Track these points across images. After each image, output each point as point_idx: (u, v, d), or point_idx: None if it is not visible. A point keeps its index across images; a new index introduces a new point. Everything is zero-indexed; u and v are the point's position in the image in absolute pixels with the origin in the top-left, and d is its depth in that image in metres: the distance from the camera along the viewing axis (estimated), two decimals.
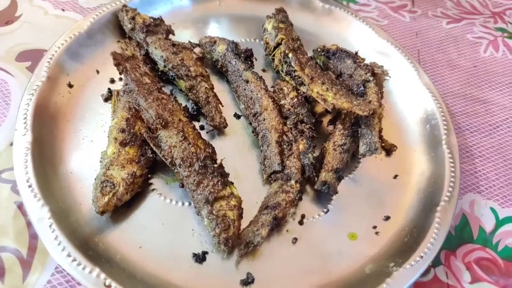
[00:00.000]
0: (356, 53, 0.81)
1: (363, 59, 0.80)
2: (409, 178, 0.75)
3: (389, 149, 0.78)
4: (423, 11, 1.06)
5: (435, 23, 1.04)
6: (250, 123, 0.76)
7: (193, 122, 0.73)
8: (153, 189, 0.67)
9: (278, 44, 0.82)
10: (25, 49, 0.84)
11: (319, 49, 0.84)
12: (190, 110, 0.76)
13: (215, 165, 0.65)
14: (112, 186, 0.62)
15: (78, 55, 0.78)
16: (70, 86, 0.75)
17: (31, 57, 0.82)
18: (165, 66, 0.78)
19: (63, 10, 0.91)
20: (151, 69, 0.78)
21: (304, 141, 0.71)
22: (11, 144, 0.66)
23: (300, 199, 0.67)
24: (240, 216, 0.62)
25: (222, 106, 0.77)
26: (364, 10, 1.03)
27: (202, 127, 0.76)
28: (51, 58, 0.74)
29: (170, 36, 0.83)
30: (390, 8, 1.05)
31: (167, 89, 0.78)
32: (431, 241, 0.63)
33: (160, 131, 0.67)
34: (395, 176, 0.75)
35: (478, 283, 0.66)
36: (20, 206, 0.65)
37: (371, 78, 0.75)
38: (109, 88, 0.77)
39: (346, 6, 0.97)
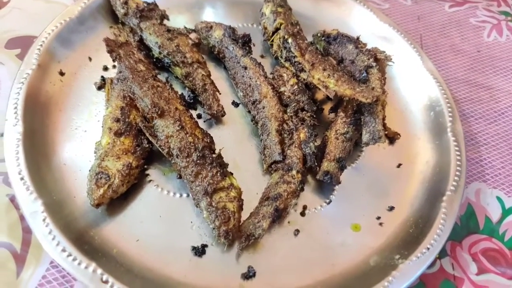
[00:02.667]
0: (358, 38, 0.78)
1: (365, 44, 0.77)
2: (413, 167, 0.73)
3: (392, 137, 0.76)
4: None
5: (437, 6, 1.02)
6: (249, 111, 0.74)
7: (190, 110, 0.71)
8: (150, 180, 0.65)
9: (277, 29, 0.79)
10: (15, 36, 0.81)
11: (319, 34, 0.81)
12: (186, 98, 0.74)
13: (214, 155, 0.63)
14: (107, 178, 0.59)
15: (69, 42, 0.75)
16: (62, 74, 0.72)
17: (20, 44, 0.79)
18: (160, 53, 0.75)
19: None
20: (146, 56, 0.75)
21: (305, 129, 0.69)
22: (2, 135, 0.64)
23: (302, 189, 0.66)
24: (240, 207, 0.61)
25: (220, 93, 0.74)
26: None
27: (199, 116, 0.74)
28: (41, 45, 0.72)
29: (165, 22, 0.80)
30: None
31: (162, 77, 0.76)
32: (438, 232, 0.61)
33: (156, 120, 0.65)
34: (399, 165, 0.73)
35: (484, 275, 0.65)
36: (13, 199, 0.63)
37: (373, 64, 0.73)
38: (102, 76, 0.74)
39: None
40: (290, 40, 0.76)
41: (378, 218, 0.66)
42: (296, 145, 0.68)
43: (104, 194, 0.59)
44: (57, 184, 0.61)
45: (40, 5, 0.86)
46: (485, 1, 1.04)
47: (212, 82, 0.75)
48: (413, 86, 0.82)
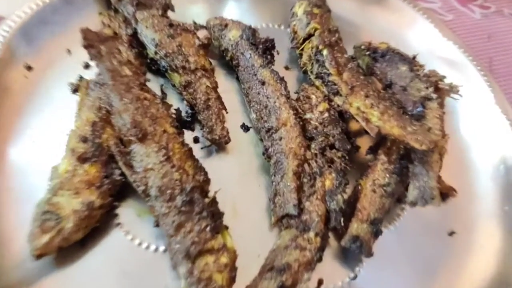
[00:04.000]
0: (414, 57, 0.63)
1: (423, 66, 0.62)
2: (471, 238, 0.57)
3: (445, 193, 0.59)
4: (498, 7, 0.86)
5: None
6: (261, 140, 0.60)
7: (185, 131, 0.58)
8: (118, 224, 0.51)
9: (310, 36, 0.66)
10: None
11: (363, 47, 0.67)
12: (183, 114, 0.60)
13: (206, 201, 0.49)
14: (58, 220, 0.46)
15: (46, 27, 0.63)
16: (29, 68, 0.60)
17: None
18: (156, 53, 0.62)
19: None
20: (138, 55, 0.61)
21: (333, 175, 0.55)
22: None
23: (320, 259, 0.50)
24: (232, 280, 0.47)
25: (227, 112, 0.61)
26: None
27: (196, 140, 0.60)
28: (7, 31, 0.59)
29: (169, 13, 0.67)
30: (458, 0, 0.84)
31: (156, 84, 0.62)
32: None
33: (134, 145, 0.51)
34: (452, 233, 0.57)
35: None
36: None
37: (434, 96, 0.58)
38: (80, 76, 0.61)
39: None
40: (325, 52, 0.61)
41: None
42: (319, 196, 0.53)
43: (49, 243, 0.45)
44: None
45: None
46: None
47: (218, 97, 0.61)
48: (478, 127, 0.66)
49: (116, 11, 0.66)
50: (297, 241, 0.50)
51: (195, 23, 0.67)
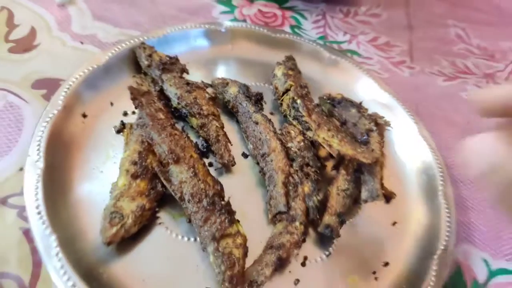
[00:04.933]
0: (360, 103, 0.85)
1: (367, 109, 0.85)
2: (407, 226, 0.76)
3: (388, 196, 0.79)
4: (421, 68, 1.11)
5: (432, 80, 1.09)
6: (258, 163, 0.78)
7: (203, 158, 0.75)
8: (160, 223, 0.68)
9: (287, 90, 0.85)
10: (41, 78, 0.85)
11: (325, 97, 0.88)
12: (200, 147, 0.78)
13: (223, 203, 0.66)
14: (121, 218, 0.62)
15: (94, 87, 0.80)
16: (84, 116, 0.77)
17: (47, 85, 0.84)
18: (178, 104, 0.80)
19: (81, 43, 0.94)
20: (165, 105, 0.80)
21: (309, 183, 0.73)
22: (21, 169, 0.67)
23: (304, 240, 0.68)
24: (245, 254, 0.63)
25: (231, 145, 0.79)
26: (367, 63, 1.08)
27: (210, 164, 0.77)
28: (68, 88, 0.77)
29: (184, 75, 0.86)
30: (391, 63, 1.10)
31: (179, 126, 0.80)
32: None
33: (171, 166, 0.68)
34: (394, 223, 0.76)
35: None
36: (26, 232, 0.64)
37: (374, 128, 0.79)
38: (121, 121, 0.78)
39: (351, 58, 1.02)
40: (298, 101, 0.81)
41: (374, 272, 0.69)
42: (301, 198, 0.71)
43: (116, 233, 0.61)
44: (71, 220, 0.64)
45: (68, 51, 0.92)
46: (474, 77, 1.13)
47: (225, 134, 0.79)
48: (408, 150, 0.87)
49: (145, 74, 0.85)
50: (287, 229, 0.67)
51: (203, 82, 0.86)
